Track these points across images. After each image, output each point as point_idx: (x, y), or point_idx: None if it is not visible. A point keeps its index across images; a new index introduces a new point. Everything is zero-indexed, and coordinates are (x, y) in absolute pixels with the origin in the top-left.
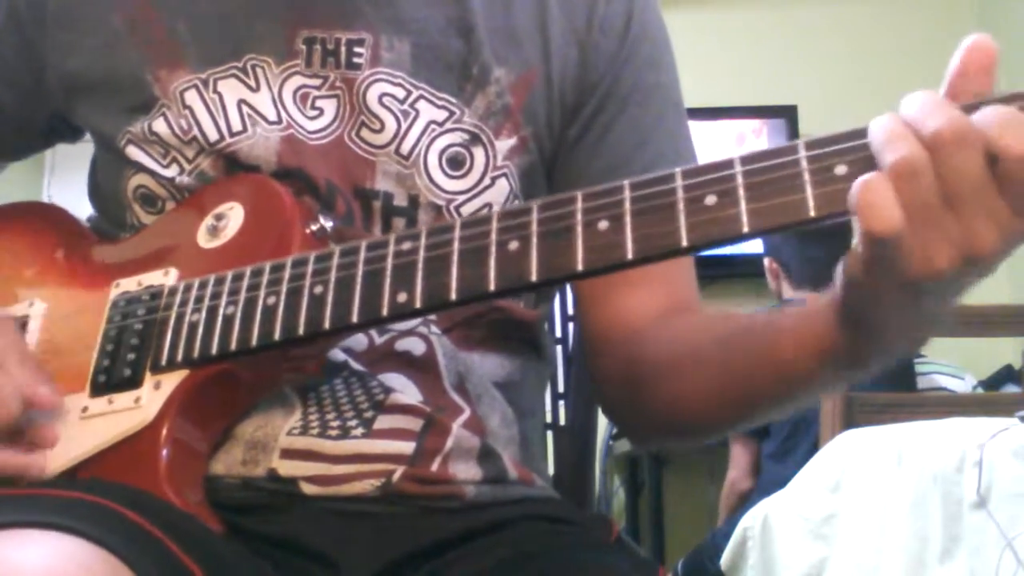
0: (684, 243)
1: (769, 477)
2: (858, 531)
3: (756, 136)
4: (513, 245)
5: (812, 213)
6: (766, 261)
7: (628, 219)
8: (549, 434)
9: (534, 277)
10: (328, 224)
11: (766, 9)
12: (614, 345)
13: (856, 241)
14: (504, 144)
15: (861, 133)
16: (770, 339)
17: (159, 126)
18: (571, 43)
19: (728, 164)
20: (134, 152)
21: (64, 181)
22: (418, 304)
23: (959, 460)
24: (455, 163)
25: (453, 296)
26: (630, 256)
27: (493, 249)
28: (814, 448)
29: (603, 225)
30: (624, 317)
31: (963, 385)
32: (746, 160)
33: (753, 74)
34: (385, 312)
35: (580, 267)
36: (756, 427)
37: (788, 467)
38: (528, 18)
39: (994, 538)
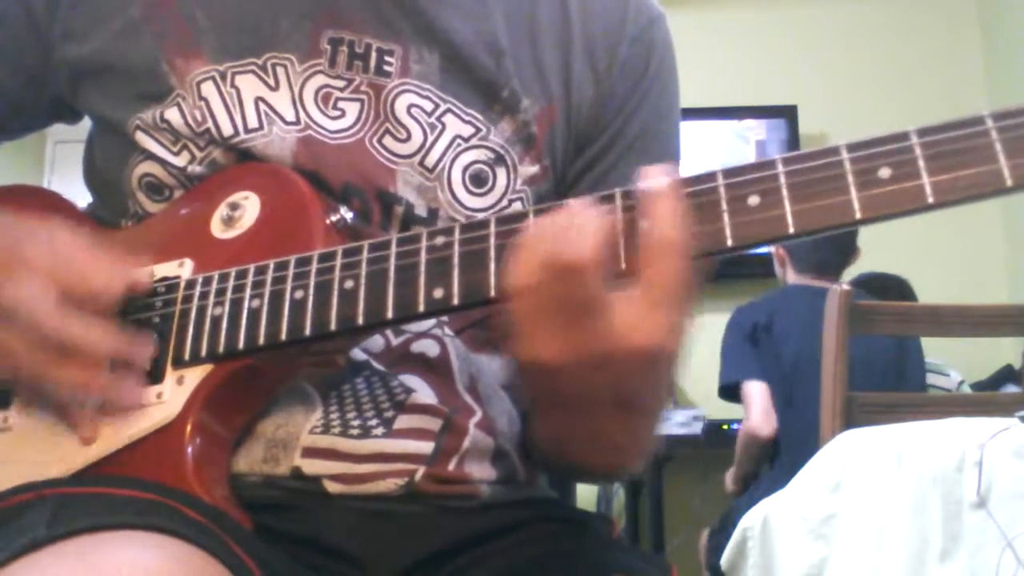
0: (729, 243)
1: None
2: (858, 531)
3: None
4: None
5: (858, 215)
6: (773, 247)
7: None
8: None
9: None
10: (348, 215)
11: (766, 9)
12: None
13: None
14: (526, 170)
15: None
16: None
17: (172, 115)
18: (590, 82)
19: (771, 164)
20: (143, 139)
21: (64, 178)
22: (456, 301)
23: (959, 460)
24: (478, 180)
25: (492, 293)
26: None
27: None
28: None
29: (645, 223)
30: None
31: (948, 382)
32: (788, 161)
33: (753, 74)
34: (422, 308)
35: (623, 264)
36: (757, 370)
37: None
38: (553, 53)
39: (994, 538)
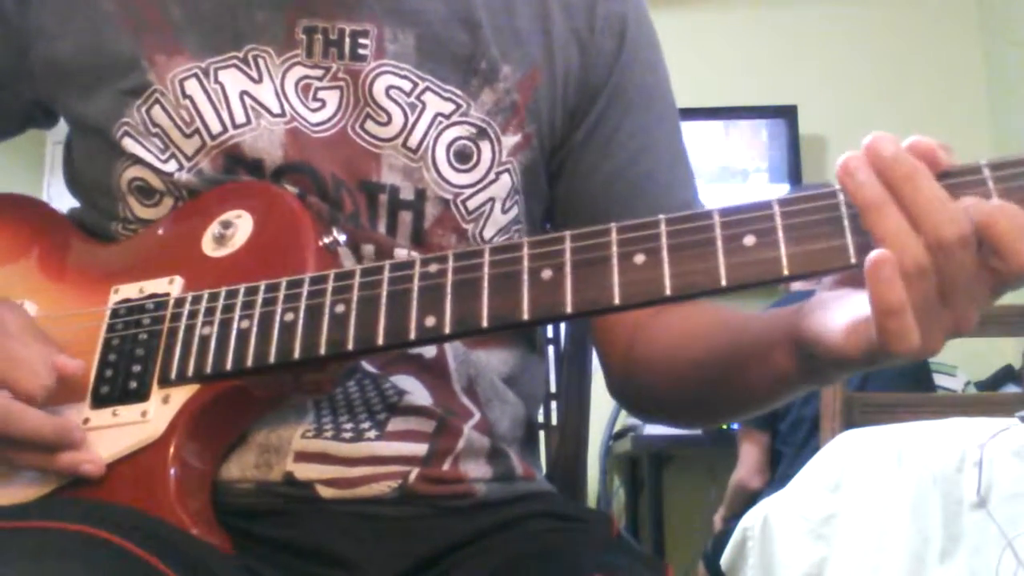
0: (723, 283)
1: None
2: (858, 531)
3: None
4: (546, 274)
5: (852, 260)
6: None
7: (665, 254)
8: (541, 434)
9: (569, 309)
10: (341, 237)
11: (766, 9)
12: (615, 338)
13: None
14: (510, 140)
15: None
16: (737, 364)
17: (159, 116)
18: (572, 43)
19: (766, 205)
20: (131, 144)
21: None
22: (447, 330)
23: (959, 460)
24: (462, 156)
25: (484, 323)
26: (668, 292)
27: (525, 277)
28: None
29: (640, 259)
30: (624, 316)
31: (956, 382)
32: (784, 203)
33: (753, 74)
34: (413, 336)
35: (617, 301)
36: (761, 419)
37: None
38: (530, 17)
39: (994, 538)
